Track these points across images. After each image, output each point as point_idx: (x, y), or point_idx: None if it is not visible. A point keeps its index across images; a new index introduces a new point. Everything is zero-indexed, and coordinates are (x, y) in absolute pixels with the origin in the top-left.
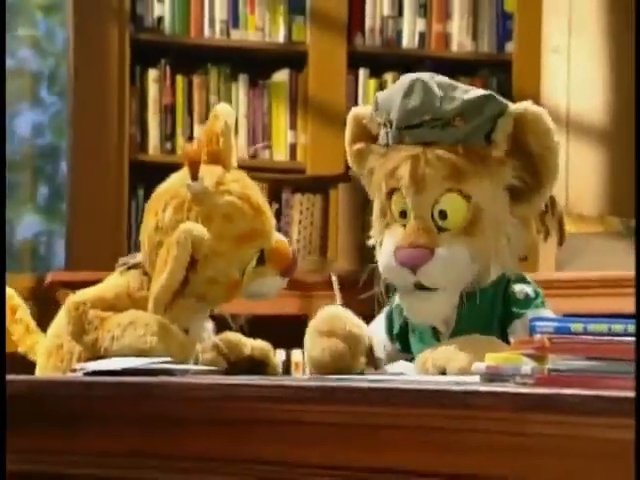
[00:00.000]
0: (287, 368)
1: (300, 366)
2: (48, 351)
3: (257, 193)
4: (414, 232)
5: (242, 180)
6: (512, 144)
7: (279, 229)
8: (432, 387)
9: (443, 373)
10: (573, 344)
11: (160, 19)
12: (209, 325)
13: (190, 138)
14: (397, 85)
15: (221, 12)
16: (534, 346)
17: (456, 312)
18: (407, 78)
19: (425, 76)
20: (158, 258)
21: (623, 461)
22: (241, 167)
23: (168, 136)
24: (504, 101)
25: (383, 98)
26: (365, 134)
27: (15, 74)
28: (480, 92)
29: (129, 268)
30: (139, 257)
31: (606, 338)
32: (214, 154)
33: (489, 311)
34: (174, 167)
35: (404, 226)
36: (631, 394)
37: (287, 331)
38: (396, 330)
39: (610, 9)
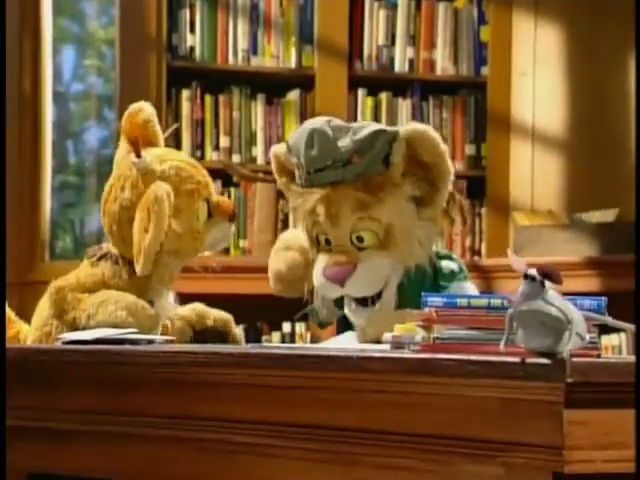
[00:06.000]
0: (292, 339)
1: (303, 337)
2: (38, 340)
3: (186, 156)
4: (337, 253)
5: (173, 152)
6: (408, 161)
7: (286, 223)
8: (334, 354)
9: (378, 341)
10: (455, 316)
11: (192, 48)
12: (171, 296)
13: (217, 147)
14: (301, 134)
15: (243, 42)
16: (423, 318)
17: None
18: (307, 128)
19: (322, 124)
20: (136, 223)
21: (484, 416)
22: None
23: (198, 145)
24: (393, 129)
25: (292, 143)
26: (285, 168)
27: (84, 97)
28: (369, 129)
29: (99, 259)
30: (105, 248)
31: (482, 311)
32: (148, 139)
33: (421, 282)
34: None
35: (330, 251)
36: (496, 358)
37: (291, 307)
38: None
39: (567, 40)
